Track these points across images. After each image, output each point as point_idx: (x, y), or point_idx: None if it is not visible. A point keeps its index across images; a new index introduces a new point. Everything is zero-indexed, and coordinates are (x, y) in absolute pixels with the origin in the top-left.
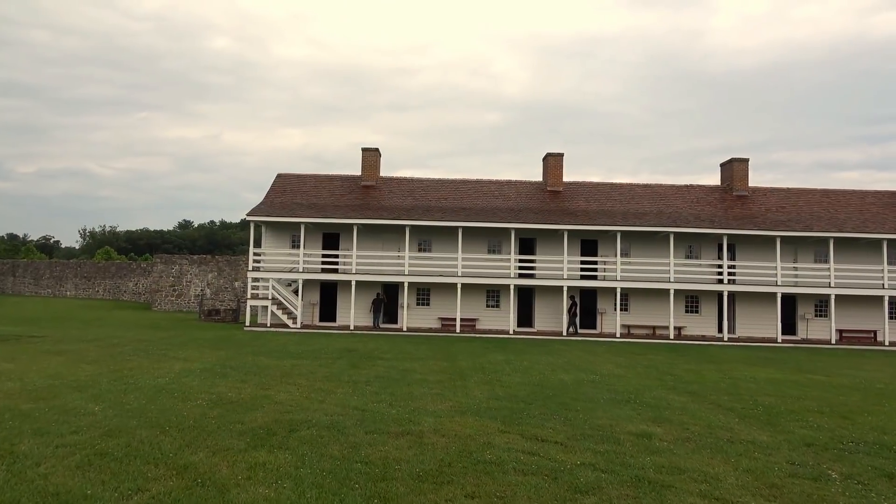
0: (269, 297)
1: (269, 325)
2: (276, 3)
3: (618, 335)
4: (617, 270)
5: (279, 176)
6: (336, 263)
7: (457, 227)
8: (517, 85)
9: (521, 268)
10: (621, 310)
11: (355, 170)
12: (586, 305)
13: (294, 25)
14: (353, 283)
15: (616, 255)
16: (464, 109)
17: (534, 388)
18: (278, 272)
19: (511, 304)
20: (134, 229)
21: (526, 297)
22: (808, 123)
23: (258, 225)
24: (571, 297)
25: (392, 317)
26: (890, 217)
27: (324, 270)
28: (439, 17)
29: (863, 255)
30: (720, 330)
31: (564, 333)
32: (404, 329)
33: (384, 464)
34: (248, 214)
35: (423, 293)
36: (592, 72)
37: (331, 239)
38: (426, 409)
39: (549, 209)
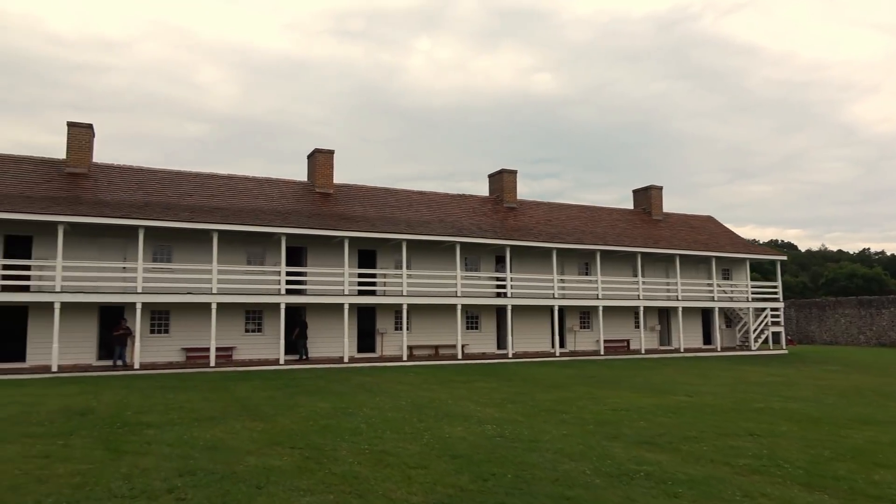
0: None
1: None
2: None
3: (405, 357)
4: (403, 284)
5: None
6: (27, 279)
7: (211, 231)
8: (222, 100)
9: (289, 282)
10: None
11: None
12: (364, 326)
13: None
14: (57, 306)
15: (401, 268)
16: (160, 117)
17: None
18: None
19: (281, 328)
20: None
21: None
22: (483, 159)
23: None
24: (300, 316)
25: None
26: (638, 233)
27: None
28: (132, 12)
29: (616, 268)
30: (500, 346)
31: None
32: (136, 367)
33: None
34: None
35: (160, 317)
36: (298, 94)
37: (19, 243)
38: None
39: (322, 213)
